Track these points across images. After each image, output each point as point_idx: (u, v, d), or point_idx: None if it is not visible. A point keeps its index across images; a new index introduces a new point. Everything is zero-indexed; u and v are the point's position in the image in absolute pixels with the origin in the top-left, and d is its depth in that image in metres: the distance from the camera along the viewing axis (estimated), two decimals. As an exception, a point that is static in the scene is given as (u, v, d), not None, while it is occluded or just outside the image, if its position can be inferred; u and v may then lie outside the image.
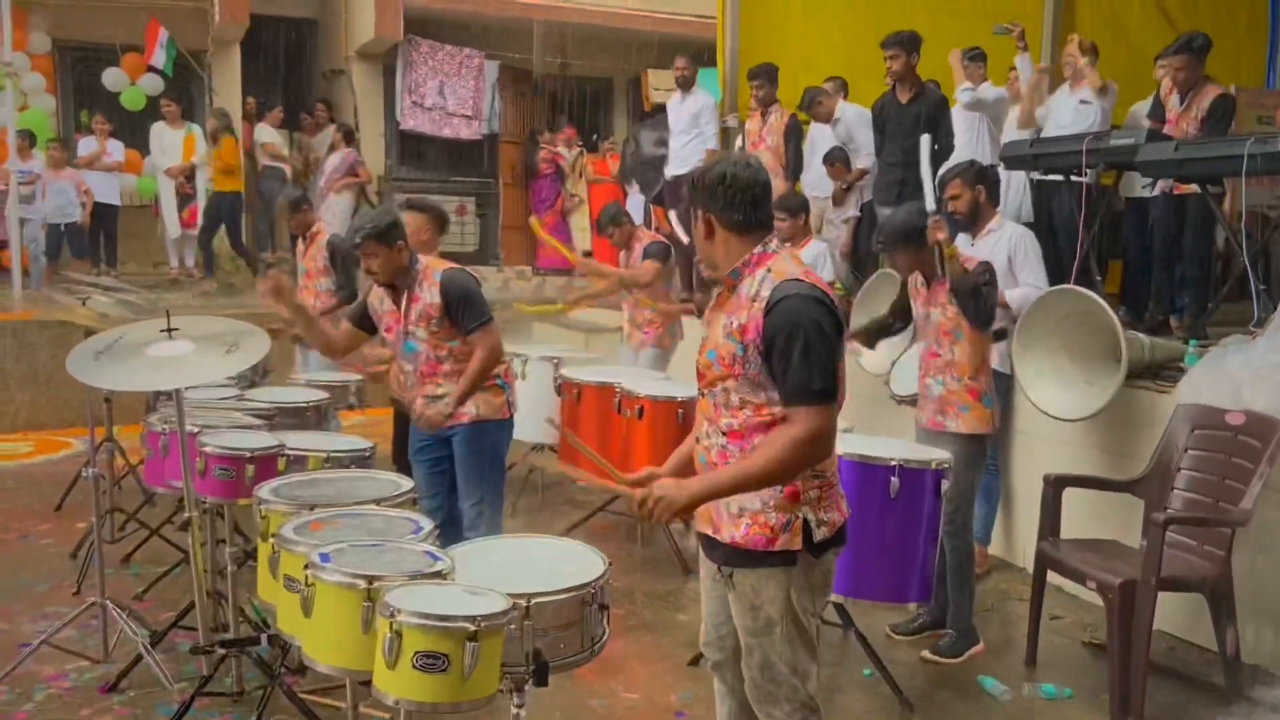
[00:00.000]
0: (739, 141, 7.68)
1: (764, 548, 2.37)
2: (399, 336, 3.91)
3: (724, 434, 2.40)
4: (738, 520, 2.39)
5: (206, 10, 10.69)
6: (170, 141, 10.24)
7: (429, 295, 3.81)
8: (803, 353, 2.24)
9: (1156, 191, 5.83)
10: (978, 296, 3.82)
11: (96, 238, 10.09)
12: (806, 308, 2.27)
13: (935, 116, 5.92)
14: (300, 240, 5.98)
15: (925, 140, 5.73)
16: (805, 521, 2.37)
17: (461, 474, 3.99)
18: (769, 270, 2.35)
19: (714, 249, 2.43)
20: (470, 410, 3.91)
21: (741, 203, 2.38)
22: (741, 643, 2.50)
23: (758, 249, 2.40)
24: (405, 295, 3.85)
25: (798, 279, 2.32)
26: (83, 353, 3.06)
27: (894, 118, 5.99)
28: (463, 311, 3.80)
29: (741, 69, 7.68)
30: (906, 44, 5.90)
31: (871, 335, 4.32)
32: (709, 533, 2.47)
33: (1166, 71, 5.76)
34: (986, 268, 3.86)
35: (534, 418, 5.53)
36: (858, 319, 5.26)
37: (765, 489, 2.34)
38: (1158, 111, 5.91)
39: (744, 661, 2.51)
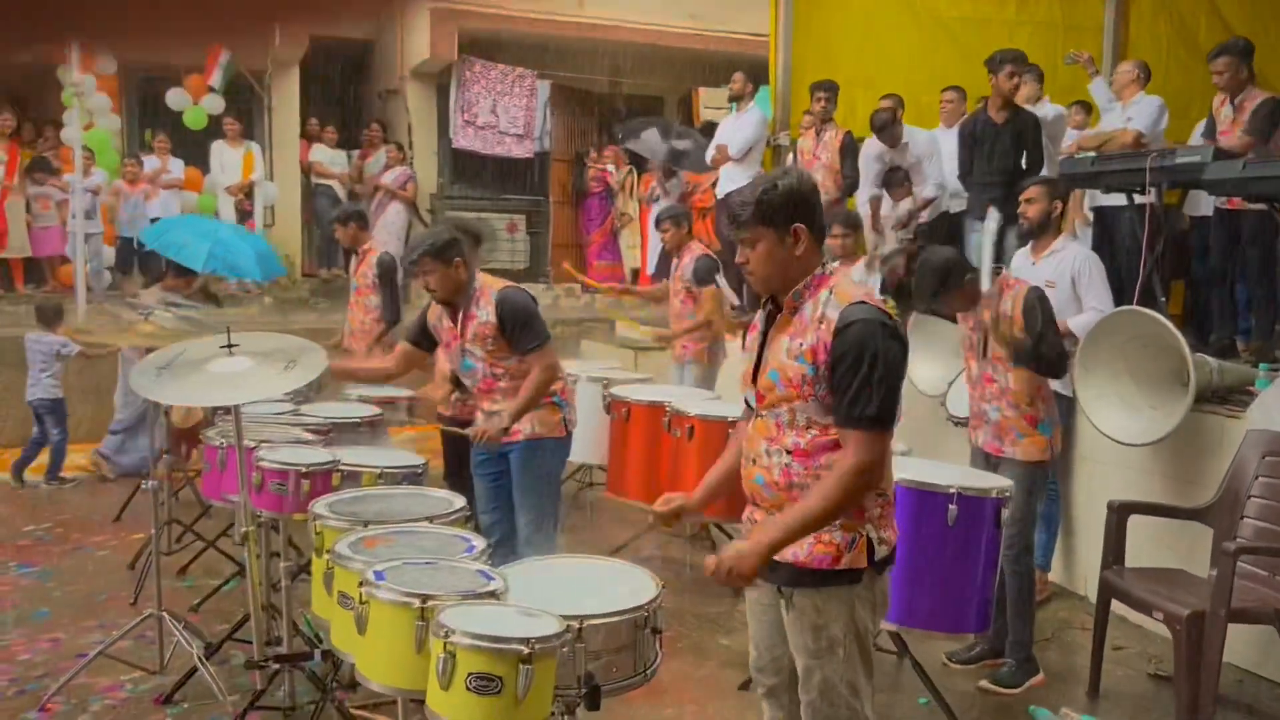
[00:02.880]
0: (790, 159, 7.64)
1: (830, 566, 2.36)
2: (457, 353, 3.92)
3: (789, 453, 2.38)
4: (800, 541, 2.37)
5: (267, 31, 10.91)
6: (230, 160, 10.48)
7: (485, 314, 3.81)
8: (866, 378, 2.24)
9: (1210, 209, 5.71)
10: (1040, 358, 3.75)
11: (154, 254, 10.31)
12: (876, 333, 2.26)
13: (1031, 136, 5.85)
14: (353, 256, 6.05)
15: (992, 216, 5.53)
16: (869, 539, 2.36)
17: (517, 491, 3.98)
18: (831, 292, 2.35)
19: (790, 260, 2.37)
20: (525, 428, 3.90)
21: (820, 210, 2.41)
22: (799, 665, 2.46)
23: (817, 271, 2.39)
24: (462, 313, 3.87)
25: (863, 301, 2.32)
26: (145, 368, 3.11)
27: (989, 137, 5.92)
28: (519, 331, 3.80)
29: (794, 87, 7.65)
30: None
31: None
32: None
33: (1216, 78, 5.66)
34: (1033, 315, 3.73)
35: (582, 437, 5.52)
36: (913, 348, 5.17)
37: None
38: (1210, 130, 5.79)
39: (802, 685, 2.46)
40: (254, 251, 6.60)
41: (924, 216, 6.86)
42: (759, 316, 2.52)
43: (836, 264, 2.44)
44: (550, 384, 3.89)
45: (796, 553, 2.37)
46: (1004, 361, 3.83)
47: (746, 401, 2.56)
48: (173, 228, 7.03)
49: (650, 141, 9.96)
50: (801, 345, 2.33)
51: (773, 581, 2.47)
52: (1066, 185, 4.51)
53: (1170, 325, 4.21)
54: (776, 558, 2.40)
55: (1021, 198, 4.37)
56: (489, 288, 3.86)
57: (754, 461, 2.46)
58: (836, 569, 2.36)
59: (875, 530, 2.37)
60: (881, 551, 2.38)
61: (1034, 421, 3.83)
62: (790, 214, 2.34)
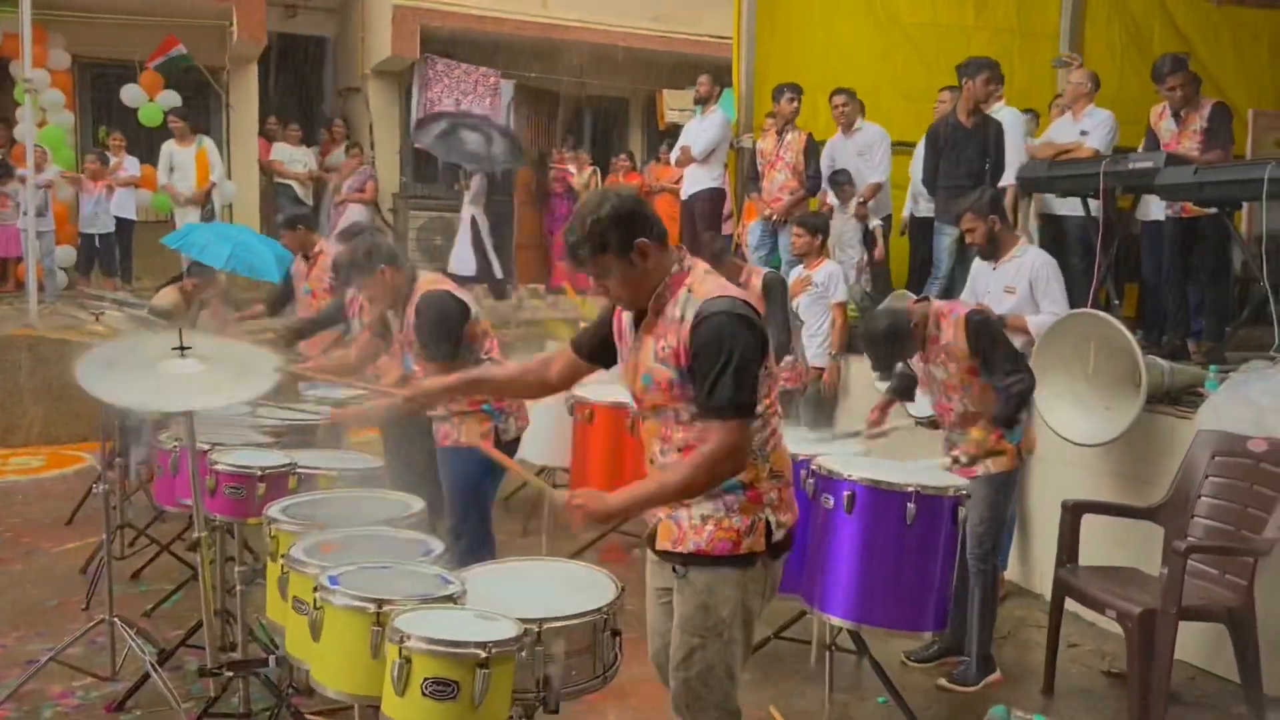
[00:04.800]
0: (750, 162, 7.67)
1: (730, 552, 2.42)
2: (401, 353, 3.92)
3: (679, 450, 2.43)
4: (701, 529, 2.43)
5: (225, 28, 10.77)
6: (182, 160, 10.09)
7: (410, 317, 3.81)
8: (722, 369, 2.28)
9: (1164, 215, 5.81)
10: (1016, 402, 3.79)
11: (113, 252, 10.17)
12: (730, 325, 2.30)
13: (996, 141, 5.91)
14: (304, 259, 5.93)
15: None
16: (767, 523, 2.43)
17: (445, 497, 3.95)
18: (689, 290, 2.38)
19: (646, 274, 2.39)
20: (452, 434, 3.86)
21: (652, 218, 2.41)
22: (679, 644, 2.49)
23: (674, 269, 2.42)
24: (403, 316, 3.87)
25: (720, 295, 2.35)
26: (93, 361, 3.00)
27: (957, 140, 5.96)
28: (425, 340, 3.75)
29: (757, 89, 7.68)
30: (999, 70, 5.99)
31: (904, 392, 4.26)
32: (669, 547, 2.48)
33: (1168, 95, 5.74)
34: (976, 340, 3.77)
35: (545, 439, 5.50)
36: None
37: (729, 495, 2.40)
38: (1151, 143, 5.88)
39: (678, 663, 2.50)
40: (273, 254, 6.77)
41: (872, 209, 6.97)
42: (625, 318, 2.54)
43: (689, 259, 2.46)
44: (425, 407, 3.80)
45: (697, 542, 2.42)
46: (957, 390, 3.87)
47: (577, 346, 2.71)
48: (196, 230, 7.60)
49: (470, 143, 9.91)
50: (665, 349, 2.38)
51: (669, 561, 2.52)
52: (993, 196, 4.56)
53: (1123, 328, 4.28)
54: (678, 548, 2.46)
55: (962, 229, 4.43)
56: (419, 291, 3.82)
57: (651, 462, 2.52)
58: (736, 554, 2.42)
59: (774, 514, 2.44)
60: (778, 535, 2.45)
61: (999, 437, 3.86)
62: (626, 233, 2.35)
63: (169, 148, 10.14)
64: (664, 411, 2.43)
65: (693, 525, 2.44)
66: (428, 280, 3.90)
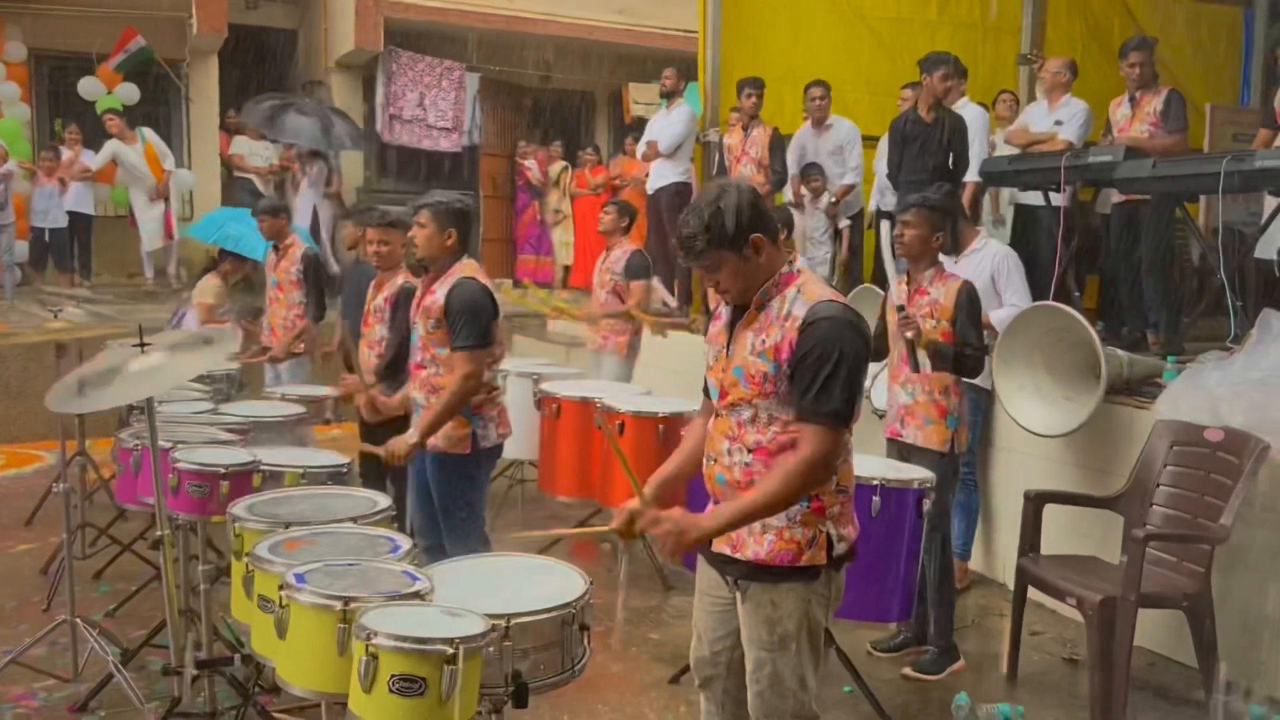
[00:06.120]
0: (717, 156, 7.69)
1: (790, 563, 2.38)
2: (412, 324, 3.91)
3: (750, 451, 2.39)
4: (761, 536, 2.39)
5: (184, 20, 10.62)
6: (131, 159, 9.89)
7: (440, 293, 3.74)
8: (830, 374, 2.25)
9: (1109, 206, 5.89)
10: (961, 361, 3.85)
11: (71, 247, 10.00)
12: (843, 331, 2.28)
13: (958, 137, 5.95)
14: (273, 250, 5.89)
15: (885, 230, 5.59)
16: (829, 536, 2.38)
17: (435, 503, 3.90)
18: (798, 290, 2.36)
19: (758, 268, 2.37)
20: (433, 440, 3.77)
21: (767, 214, 2.39)
22: (750, 657, 2.48)
23: (784, 269, 2.40)
24: (427, 284, 3.84)
25: (831, 300, 2.33)
26: (65, 391, 3.00)
27: (920, 136, 5.99)
28: (458, 323, 3.67)
29: (723, 83, 7.70)
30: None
31: None
32: (727, 551, 2.44)
33: (1128, 71, 5.81)
34: (960, 309, 3.83)
35: (513, 434, 5.48)
36: None
37: (792, 505, 2.35)
38: (1108, 130, 5.97)
39: (751, 676, 2.48)
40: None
41: (842, 219, 7.00)
42: (724, 310, 2.51)
43: (800, 262, 2.42)
44: (468, 396, 3.70)
45: (757, 550, 2.39)
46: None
47: (707, 391, 2.56)
48: (227, 221, 7.67)
49: (298, 126, 9.80)
50: (765, 342, 2.34)
51: (729, 574, 2.48)
52: (987, 183, 4.61)
53: (1082, 319, 4.34)
54: (735, 554, 2.42)
55: None
56: (457, 272, 3.75)
57: (715, 460, 2.47)
58: (796, 566, 2.38)
59: (835, 527, 2.40)
60: (840, 549, 2.41)
61: (942, 412, 3.91)
62: (743, 229, 2.32)
63: (112, 146, 9.87)
64: (741, 409, 2.39)
65: (752, 532, 2.39)
66: (469, 266, 3.81)
